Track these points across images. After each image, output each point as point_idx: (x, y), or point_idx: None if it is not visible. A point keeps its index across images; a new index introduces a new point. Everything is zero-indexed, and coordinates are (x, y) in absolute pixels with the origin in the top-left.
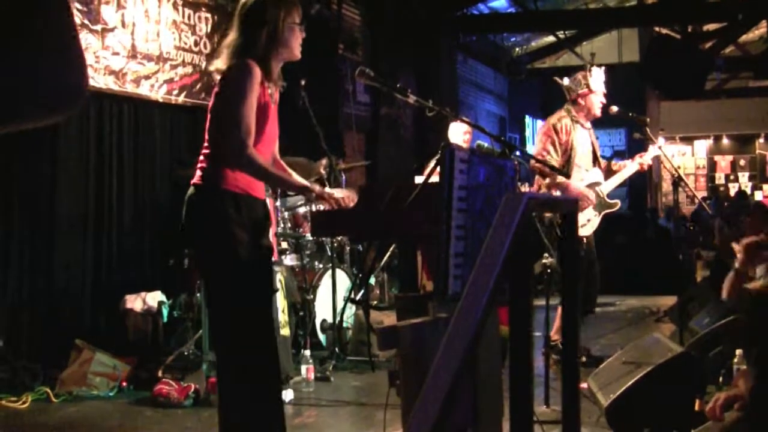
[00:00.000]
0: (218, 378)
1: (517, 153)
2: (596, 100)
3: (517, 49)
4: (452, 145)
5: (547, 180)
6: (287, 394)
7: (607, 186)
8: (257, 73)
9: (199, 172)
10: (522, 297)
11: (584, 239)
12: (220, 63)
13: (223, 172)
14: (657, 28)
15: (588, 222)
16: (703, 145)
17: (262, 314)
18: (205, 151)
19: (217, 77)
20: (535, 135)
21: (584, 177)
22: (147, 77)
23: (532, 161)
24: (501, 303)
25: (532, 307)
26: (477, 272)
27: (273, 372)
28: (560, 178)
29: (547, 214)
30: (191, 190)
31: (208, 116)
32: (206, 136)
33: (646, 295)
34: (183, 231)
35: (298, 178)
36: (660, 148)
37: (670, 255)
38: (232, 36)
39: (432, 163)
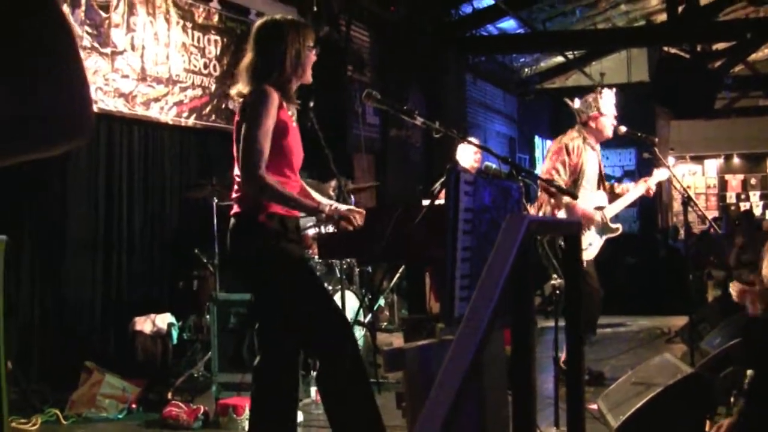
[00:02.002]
0: (332, 378)
1: (525, 174)
2: (607, 123)
3: (526, 69)
4: (457, 168)
5: (553, 200)
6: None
7: (611, 210)
8: (275, 98)
9: (236, 203)
10: (523, 318)
11: (585, 263)
12: (241, 87)
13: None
14: (666, 48)
15: (590, 246)
16: (713, 165)
17: (337, 312)
18: (239, 180)
19: (239, 101)
20: (545, 153)
21: (590, 199)
22: (157, 100)
23: (542, 186)
24: (507, 324)
25: (534, 328)
26: (478, 294)
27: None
28: (566, 199)
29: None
30: (233, 222)
31: (234, 146)
32: (236, 165)
33: (657, 316)
34: (233, 264)
35: (312, 195)
36: (669, 168)
37: (681, 275)
38: (249, 58)
39: (438, 186)
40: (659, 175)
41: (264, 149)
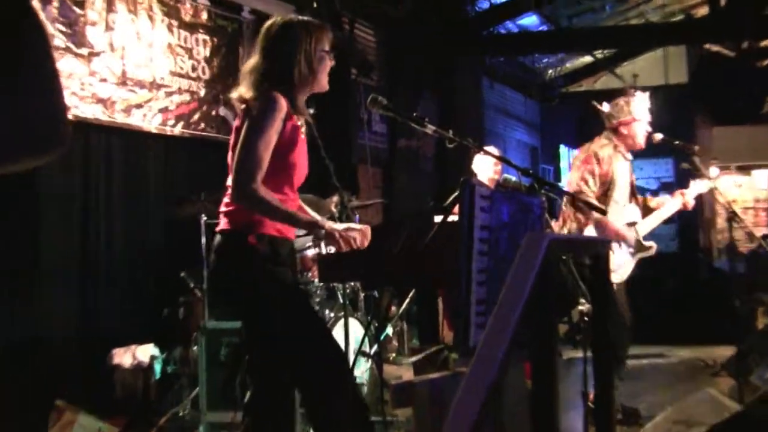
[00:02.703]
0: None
1: (548, 187)
2: (640, 129)
3: (549, 71)
4: (472, 181)
5: (580, 215)
6: None
7: (645, 226)
8: (282, 106)
9: (225, 218)
10: (545, 348)
11: (614, 286)
12: (243, 90)
13: (256, 216)
14: (707, 45)
15: (620, 267)
16: (763, 175)
17: (333, 345)
18: (230, 191)
19: (240, 106)
20: (571, 163)
21: (621, 214)
22: (139, 106)
23: (567, 199)
24: (527, 356)
25: (558, 360)
26: (493, 322)
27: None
28: (596, 215)
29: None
30: (219, 238)
31: (230, 153)
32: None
33: (700, 346)
34: (216, 284)
35: (310, 214)
36: (711, 179)
37: (726, 300)
38: (255, 61)
39: (450, 201)
40: (698, 186)
41: (262, 160)
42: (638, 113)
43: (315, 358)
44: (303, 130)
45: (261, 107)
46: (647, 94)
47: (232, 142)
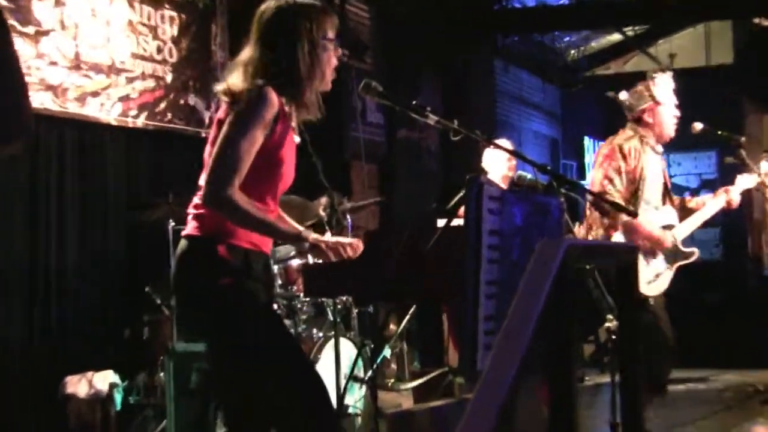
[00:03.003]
0: None
1: (569, 186)
2: (667, 114)
3: (572, 51)
4: (480, 179)
5: (606, 219)
6: None
7: (683, 229)
8: (273, 104)
9: (194, 221)
10: (563, 371)
11: (651, 300)
12: (233, 81)
13: (230, 223)
14: (757, 20)
15: (656, 278)
16: None
17: (309, 374)
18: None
19: (225, 100)
20: (594, 159)
21: (654, 217)
22: (95, 94)
23: (590, 196)
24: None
25: (578, 384)
26: (502, 340)
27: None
28: (625, 217)
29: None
30: (184, 243)
31: (208, 148)
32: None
33: (749, 369)
34: (179, 298)
35: (291, 224)
36: (761, 175)
37: None
38: (248, 52)
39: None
40: (744, 182)
41: (242, 162)
42: (661, 96)
43: (287, 390)
44: (296, 132)
45: (249, 101)
46: (670, 73)
47: (212, 135)
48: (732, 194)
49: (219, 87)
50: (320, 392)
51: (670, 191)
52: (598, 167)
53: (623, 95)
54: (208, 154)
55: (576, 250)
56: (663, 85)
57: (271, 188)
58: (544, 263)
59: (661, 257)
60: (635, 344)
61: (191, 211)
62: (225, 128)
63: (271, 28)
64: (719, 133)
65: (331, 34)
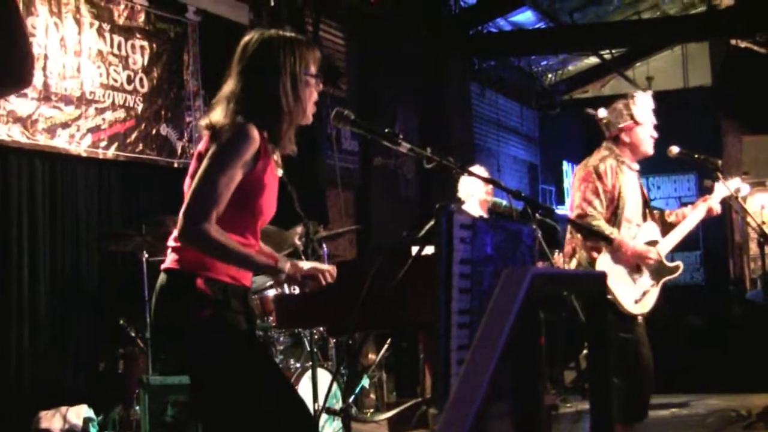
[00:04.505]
0: None
1: (543, 212)
2: (645, 134)
3: (549, 75)
4: (450, 207)
5: (589, 242)
6: None
7: (666, 244)
8: (254, 141)
9: (173, 254)
10: (529, 403)
11: (639, 318)
12: (216, 116)
13: (209, 257)
14: (734, 41)
15: (644, 296)
16: None
17: (296, 405)
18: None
19: (206, 133)
20: (571, 183)
21: (636, 234)
22: (65, 125)
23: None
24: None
25: (543, 412)
26: (465, 373)
27: None
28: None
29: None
30: (163, 277)
31: (188, 181)
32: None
33: (732, 393)
34: (158, 332)
35: (268, 254)
36: (737, 189)
37: (763, 338)
38: (230, 86)
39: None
40: (722, 190)
41: (220, 196)
42: (641, 116)
43: (274, 422)
44: (279, 165)
45: (229, 137)
46: (649, 93)
47: (191, 169)
48: (712, 203)
49: (202, 122)
50: (305, 421)
51: (650, 207)
52: (576, 191)
53: (602, 112)
54: (188, 186)
55: (542, 278)
56: (642, 105)
57: (251, 223)
58: (509, 292)
59: (646, 275)
60: (607, 374)
61: (171, 244)
62: (204, 163)
63: (254, 61)
64: (696, 156)
65: (313, 69)
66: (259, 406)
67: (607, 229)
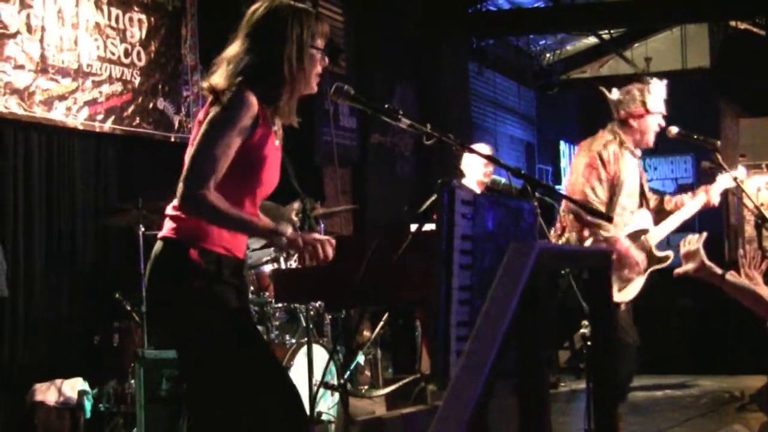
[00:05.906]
0: None
1: (543, 190)
2: (653, 124)
3: (547, 55)
4: (452, 183)
5: (586, 231)
6: None
7: (658, 233)
8: (252, 108)
9: (170, 222)
10: (534, 379)
11: (623, 306)
12: (217, 79)
13: (204, 226)
14: (734, 23)
15: (627, 284)
16: None
17: (283, 383)
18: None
19: (209, 97)
20: (571, 164)
21: (628, 221)
22: (62, 97)
23: (567, 203)
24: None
25: (548, 392)
26: (471, 348)
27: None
28: (604, 233)
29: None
30: (158, 246)
31: (188, 150)
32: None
33: (725, 375)
34: (149, 300)
35: (265, 221)
36: (736, 179)
37: (757, 323)
38: (235, 48)
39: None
40: (724, 182)
41: (217, 164)
42: (653, 105)
43: (261, 403)
44: (280, 136)
45: (227, 104)
46: (665, 82)
47: (192, 136)
48: (711, 194)
49: (204, 84)
50: (292, 398)
51: (647, 194)
52: (578, 175)
53: (614, 93)
54: (188, 154)
55: (548, 254)
56: (656, 94)
57: (249, 191)
58: (516, 267)
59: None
60: (609, 350)
61: (169, 212)
62: (202, 129)
63: (260, 27)
64: (695, 137)
65: (320, 42)
66: (242, 381)
67: (606, 226)
